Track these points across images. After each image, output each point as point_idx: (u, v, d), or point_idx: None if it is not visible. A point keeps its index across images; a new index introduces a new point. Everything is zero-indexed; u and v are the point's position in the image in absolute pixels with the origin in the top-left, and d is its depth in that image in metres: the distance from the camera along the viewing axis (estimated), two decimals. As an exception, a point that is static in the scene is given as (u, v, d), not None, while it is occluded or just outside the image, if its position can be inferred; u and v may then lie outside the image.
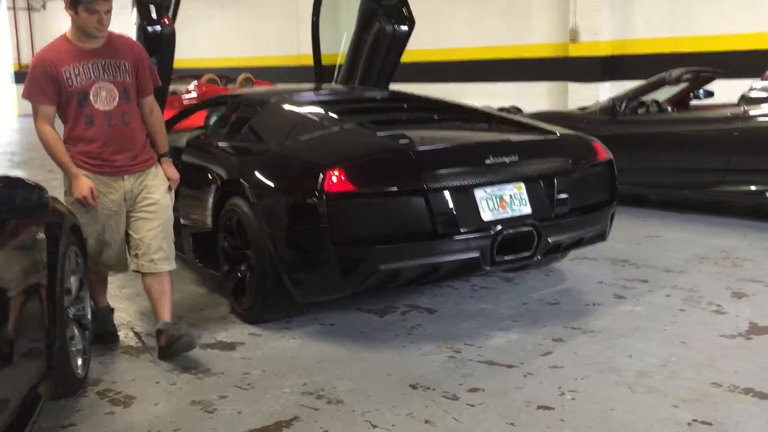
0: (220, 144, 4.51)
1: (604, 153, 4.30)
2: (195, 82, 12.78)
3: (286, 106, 4.48)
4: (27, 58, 23.69)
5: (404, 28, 6.01)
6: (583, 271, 4.88)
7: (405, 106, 4.94)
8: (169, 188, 3.69)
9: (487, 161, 3.75)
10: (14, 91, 22.00)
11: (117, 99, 3.51)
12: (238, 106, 4.91)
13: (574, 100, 12.44)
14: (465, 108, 4.86)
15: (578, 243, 4.18)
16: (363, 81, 6.24)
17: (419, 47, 14.99)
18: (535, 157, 3.97)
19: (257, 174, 3.90)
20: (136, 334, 3.91)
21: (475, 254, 3.66)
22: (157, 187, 3.62)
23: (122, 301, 4.47)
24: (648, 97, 7.25)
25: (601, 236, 4.30)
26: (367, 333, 3.86)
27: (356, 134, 3.94)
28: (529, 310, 4.14)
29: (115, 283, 4.79)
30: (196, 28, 18.87)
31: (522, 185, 3.85)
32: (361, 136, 3.91)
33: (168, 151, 3.79)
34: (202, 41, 18.69)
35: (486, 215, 3.70)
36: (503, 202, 3.77)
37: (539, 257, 3.89)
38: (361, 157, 3.64)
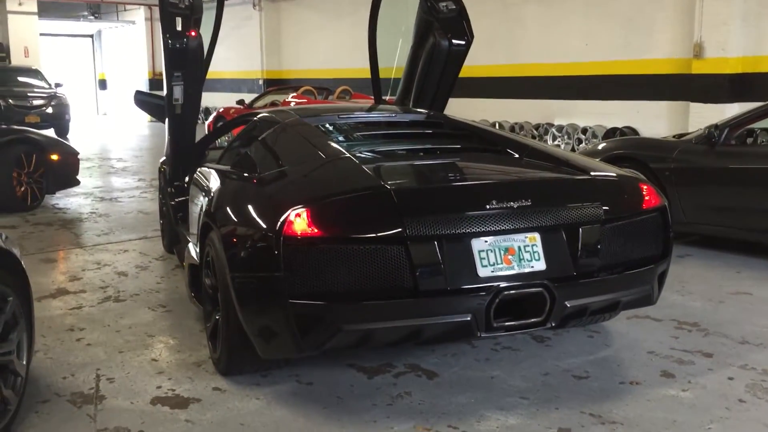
0: (218, 168, 4.11)
1: (655, 198, 3.51)
2: (292, 94, 12.66)
3: (293, 131, 3.99)
4: (162, 67, 24.64)
5: (461, 43, 5.39)
6: (637, 334, 4.07)
7: (431, 133, 4.33)
8: None
9: (489, 206, 3.09)
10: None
11: None
12: (253, 127, 4.50)
13: (696, 122, 11.24)
14: (500, 138, 4.18)
15: (612, 308, 3.43)
16: (417, 100, 5.69)
17: (528, 61, 14.23)
18: (555, 202, 3.26)
19: (227, 207, 3.45)
20: (98, 377, 3.55)
21: (465, 317, 3.02)
22: None
23: (110, 333, 4.15)
24: (760, 125, 6.24)
25: (646, 300, 3.51)
26: (343, 399, 3.30)
27: (341, 169, 3.38)
28: (546, 385, 3.43)
29: (113, 312, 4.50)
30: (309, 39, 18.94)
31: (536, 236, 3.16)
32: (345, 171, 3.35)
33: None
34: (312, 52, 18.72)
35: (484, 271, 3.06)
36: (509, 255, 3.11)
37: (553, 324, 3.18)
38: (329, 196, 3.09)
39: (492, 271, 3.07)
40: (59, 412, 3.18)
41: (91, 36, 28.71)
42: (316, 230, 2.95)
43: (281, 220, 2.96)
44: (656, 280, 3.49)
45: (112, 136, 18.31)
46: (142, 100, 5.57)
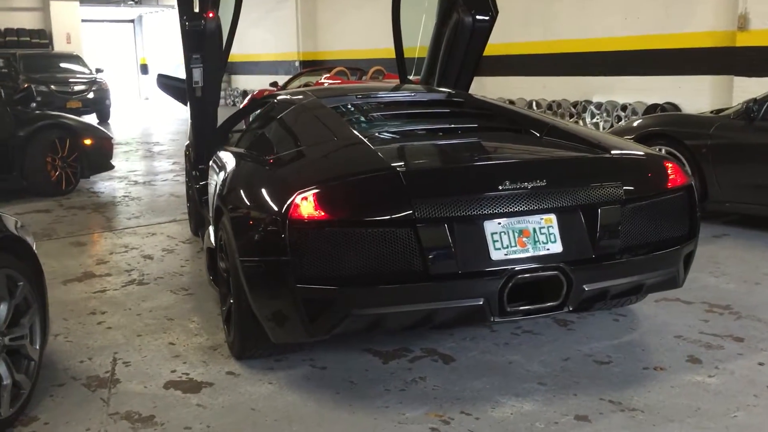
0: (234, 150, 4.07)
1: (681, 177, 3.36)
2: (325, 75, 12.60)
3: (308, 112, 3.92)
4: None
5: (485, 18, 5.25)
6: (665, 317, 3.94)
7: (449, 112, 4.21)
8: None
9: (503, 187, 2.99)
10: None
11: None
12: (270, 109, 4.45)
13: (740, 97, 10.86)
14: (521, 117, 4.04)
15: (635, 291, 3.30)
16: (441, 79, 5.57)
17: (565, 37, 13.88)
18: (572, 181, 3.14)
19: (237, 190, 3.41)
20: (114, 361, 3.56)
21: (478, 301, 2.93)
22: None
23: (131, 317, 4.16)
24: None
25: (671, 282, 3.38)
26: (357, 384, 3.25)
27: (352, 150, 3.31)
28: (566, 370, 3.33)
29: (136, 295, 4.53)
30: (345, 20, 18.83)
31: (552, 217, 3.05)
32: (356, 152, 3.27)
33: None
34: (348, 33, 18.60)
35: (497, 254, 2.96)
36: (523, 237, 3.00)
37: (570, 308, 3.08)
38: (336, 178, 3.02)
39: (505, 254, 2.97)
40: (73, 396, 3.19)
41: (132, 21, 29.04)
42: (322, 213, 2.88)
43: (287, 203, 2.91)
44: (682, 262, 3.35)
45: (152, 121, 18.51)
46: (164, 83, 5.55)
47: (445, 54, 5.47)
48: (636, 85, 12.70)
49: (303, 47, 20.53)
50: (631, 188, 3.19)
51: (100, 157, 8.32)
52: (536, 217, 3.03)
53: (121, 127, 16.53)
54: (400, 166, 3.02)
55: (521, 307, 3.00)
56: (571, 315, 3.89)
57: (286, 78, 16.09)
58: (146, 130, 16.07)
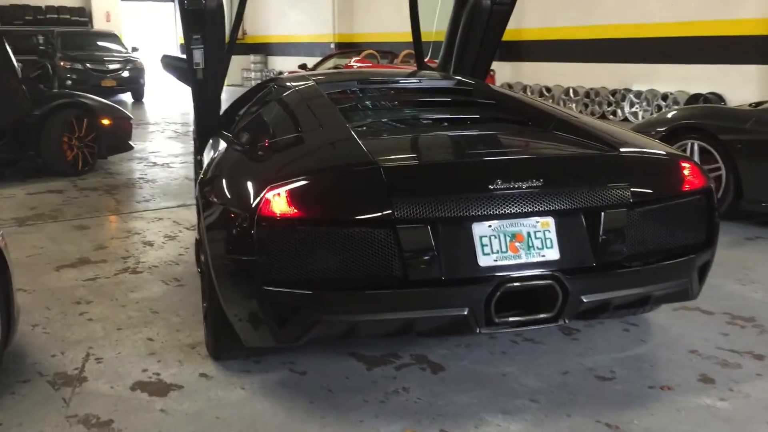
0: (227, 135, 3.86)
1: (699, 179, 3.04)
2: (354, 58, 12.34)
3: (299, 99, 3.67)
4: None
5: (504, 2, 4.93)
6: (681, 329, 3.62)
7: (453, 101, 3.92)
8: None
9: (494, 185, 2.71)
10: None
11: None
12: (267, 93, 4.22)
13: (789, 88, 10.35)
14: (531, 108, 3.73)
15: (642, 303, 3.00)
16: (458, 65, 5.28)
17: (606, 22, 13.37)
18: (573, 182, 2.84)
19: (213, 180, 3.20)
20: (87, 357, 3.39)
21: (462, 311, 2.67)
22: None
23: (115, 308, 4.00)
24: None
25: (683, 294, 3.07)
26: (333, 393, 3.02)
27: (334, 142, 3.05)
28: (564, 385, 3.06)
29: (126, 285, 4.36)
30: (384, 2, 18.48)
31: (550, 221, 2.77)
32: (338, 145, 3.02)
33: None
34: (385, 15, 18.25)
35: (485, 259, 2.69)
36: (516, 242, 2.73)
37: (566, 321, 2.80)
38: (311, 173, 2.77)
39: (495, 260, 2.70)
40: (35, 394, 3.02)
41: (173, 0, 29.04)
42: (295, 210, 2.65)
43: (258, 198, 2.68)
44: (696, 272, 3.03)
45: (186, 101, 18.44)
46: (169, 63, 5.35)
47: (462, 38, 5.17)
48: (678, 74, 12.18)
49: (339, 29, 20.28)
50: (641, 190, 2.88)
51: (119, 137, 8.21)
52: (531, 220, 2.76)
53: (154, 106, 16.51)
54: (382, 161, 2.76)
55: (510, 318, 2.74)
56: (578, 323, 3.60)
57: (319, 60, 15.88)
58: (178, 111, 16.00)
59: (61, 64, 16.60)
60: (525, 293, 2.74)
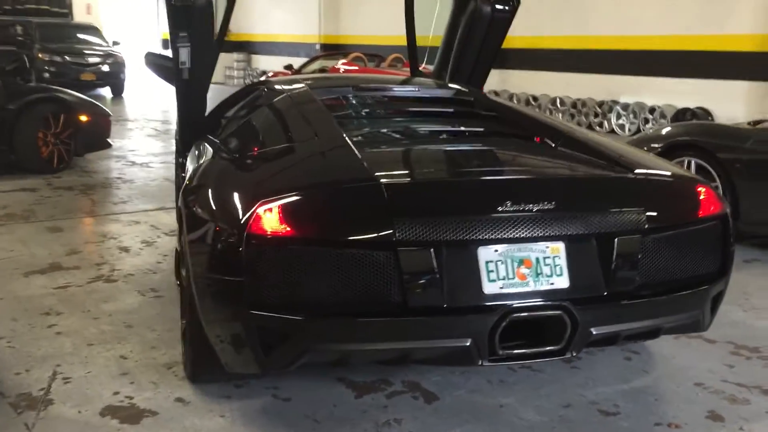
0: (213, 140, 3.64)
1: (715, 204, 2.87)
2: (341, 60, 12.13)
3: (292, 105, 3.45)
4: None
5: (505, 9, 4.76)
6: (684, 360, 3.45)
7: (453, 113, 3.72)
8: None
9: (503, 207, 2.52)
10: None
11: None
12: (257, 97, 4.00)
13: (779, 105, 10.31)
14: (535, 122, 3.55)
15: (651, 335, 2.84)
16: (454, 73, 5.09)
17: (596, 33, 13.27)
18: (586, 205, 2.66)
19: (198, 190, 2.97)
20: (54, 375, 3.14)
21: (464, 342, 2.48)
22: None
23: (87, 320, 3.75)
24: None
25: (694, 326, 2.90)
26: (320, 423, 2.81)
27: (331, 155, 2.84)
28: (565, 420, 2.87)
29: (99, 294, 4.12)
30: (369, 4, 18.29)
31: (560, 246, 2.58)
32: (335, 157, 2.81)
33: None
34: (372, 17, 18.06)
35: (490, 286, 2.50)
36: (524, 268, 2.54)
37: (574, 353, 2.61)
38: (306, 188, 2.55)
39: (501, 287, 2.51)
40: (-5, 418, 2.78)
41: (155, -5, 28.63)
42: (287, 229, 2.43)
43: (248, 214, 2.46)
44: (709, 303, 2.86)
45: (168, 98, 18.09)
46: (153, 62, 5.10)
47: (459, 45, 4.98)
48: (666, 87, 12.11)
49: (324, 30, 20.05)
50: (656, 215, 2.70)
51: (96, 134, 7.93)
52: (541, 245, 2.57)
53: (134, 102, 16.17)
54: (382, 177, 2.56)
55: (515, 351, 2.55)
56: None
57: (305, 61, 15.66)
58: (159, 108, 15.68)
59: (40, 56, 16.17)
60: (531, 323, 2.55)
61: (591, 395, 3.07)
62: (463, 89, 4.14)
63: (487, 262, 2.52)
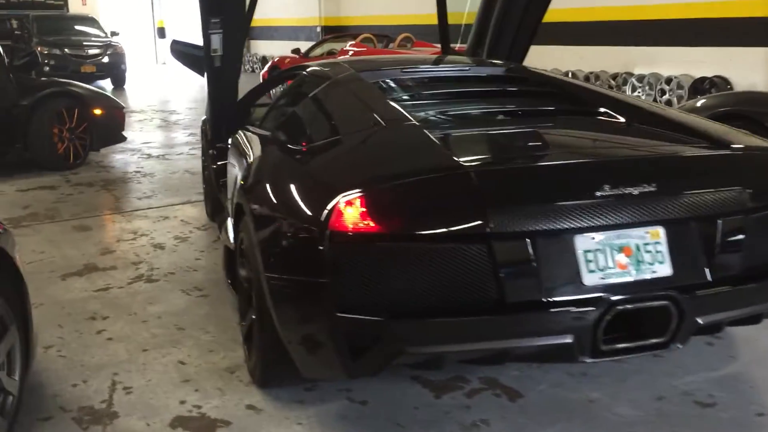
0: (260, 132, 3.45)
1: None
2: (350, 42, 11.89)
3: (346, 89, 3.26)
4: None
5: (547, -22, 4.57)
6: (767, 341, 3.30)
7: (513, 91, 3.52)
8: None
9: (601, 192, 2.34)
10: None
11: None
12: (300, 83, 3.81)
13: (799, 72, 10.10)
14: (602, 97, 3.36)
15: (753, 321, 2.66)
16: (492, 50, 4.90)
17: (601, 4, 13.02)
18: (686, 185, 2.48)
19: (263, 185, 2.79)
20: (113, 386, 2.98)
21: (566, 339, 2.31)
22: None
23: (136, 324, 3.59)
24: None
25: (797, 309, 2.73)
26: (404, 428, 2.65)
27: (405, 141, 2.65)
28: (662, 414, 2.71)
29: (143, 296, 3.95)
30: (370, -17, 17.99)
31: (660, 230, 2.41)
32: (410, 144, 2.62)
33: None
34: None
35: (590, 278, 2.33)
36: (624, 257, 2.37)
37: (679, 345, 2.45)
38: (390, 178, 2.37)
39: (601, 278, 2.34)
40: (59, 435, 2.62)
41: (149, -17, 28.22)
42: (372, 224, 2.25)
43: (328, 209, 2.28)
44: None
45: (169, 87, 17.87)
46: (179, 50, 4.92)
47: (498, 20, 4.81)
48: (682, 57, 11.87)
49: (325, 12, 19.74)
50: (758, 193, 2.52)
51: (111, 128, 7.72)
52: (639, 231, 2.39)
53: (136, 93, 15.91)
54: (469, 164, 2.38)
55: (618, 345, 2.38)
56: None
57: (307, 44, 15.40)
58: (162, 98, 15.44)
59: (39, 49, 15.88)
60: (633, 315, 2.38)
61: (682, 385, 2.92)
62: (513, 66, 3.95)
63: (585, 252, 2.34)
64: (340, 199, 2.28)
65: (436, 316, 2.28)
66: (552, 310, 2.30)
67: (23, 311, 2.62)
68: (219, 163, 4.83)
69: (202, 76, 4.80)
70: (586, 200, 2.34)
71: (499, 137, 2.87)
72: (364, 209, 2.26)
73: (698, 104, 6.02)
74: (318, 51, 12.64)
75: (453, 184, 2.33)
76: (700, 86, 11.47)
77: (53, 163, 7.24)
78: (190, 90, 16.53)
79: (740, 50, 11.21)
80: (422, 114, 3.04)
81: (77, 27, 17.57)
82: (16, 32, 16.95)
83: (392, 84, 3.46)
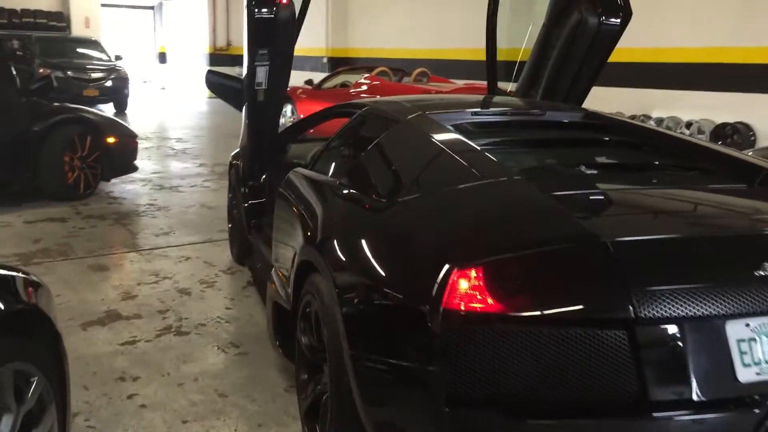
0: (322, 178, 3.10)
1: None
2: (365, 75, 11.62)
3: (423, 131, 2.91)
4: (222, 42, 24.06)
5: (615, 21, 4.30)
6: None
7: (608, 140, 3.18)
8: None
9: (759, 271, 1.99)
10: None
11: None
12: (360, 124, 3.47)
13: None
14: (708, 151, 3.03)
15: None
16: (548, 92, 4.60)
17: (625, 45, 12.85)
18: None
19: (344, 244, 2.42)
20: (154, 468, 2.58)
21: (719, 446, 1.95)
22: None
23: (171, 388, 3.19)
24: None
25: None
26: None
27: (518, 201, 2.30)
28: None
29: (175, 351, 3.55)
30: (380, 15, 17.86)
31: (820, 315, 2.06)
32: (524, 205, 2.27)
33: None
34: (383, 29, 17.60)
35: (745, 372, 1.97)
36: (781, 347, 2.01)
37: None
38: (513, 248, 2.01)
39: (758, 373, 1.98)
40: None
41: (152, 8, 28.09)
42: (493, 302, 1.89)
43: (438, 281, 1.92)
44: None
45: (171, 112, 17.53)
46: (214, 81, 4.58)
47: (557, 61, 4.50)
48: (703, 101, 11.66)
49: (332, 42, 19.55)
50: None
51: (124, 157, 7.37)
52: (800, 317, 2.04)
53: (138, 118, 15.56)
54: (604, 233, 2.02)
55: (776, 454, 2.01)
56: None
57: (313, 74, 15.16)
58: (164, 124, 15.10)
59: (41, 71, 15.56)
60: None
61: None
62: (590, 111, 3.63)
63: (738, 341, 1.98)
64: (455, 270, 1.92)
65: (567, 415, 1.91)
66: (704, 411, 1.93)
67: (62, 385, 2.23)
68: (252, 201, 4.49)
69: (239, 110, 4.46)
70: (740, 279, 1.99)
71: (625, 198, 2.51)
72: (483, 283, 1.90)
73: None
74: (331, 83, 12.35)
75: (587, 256, 1.97)
76: (721, 131, 11.26)
77: (62, 193, 6.85)
78: (190, 117, 16.23)
79: (762, 96, 11.03)
80: (520, 168, 2.69)
81: (80, 50, 17.30)
82: (18, 53, 16.64)
83: (471, 128, 3.11)
